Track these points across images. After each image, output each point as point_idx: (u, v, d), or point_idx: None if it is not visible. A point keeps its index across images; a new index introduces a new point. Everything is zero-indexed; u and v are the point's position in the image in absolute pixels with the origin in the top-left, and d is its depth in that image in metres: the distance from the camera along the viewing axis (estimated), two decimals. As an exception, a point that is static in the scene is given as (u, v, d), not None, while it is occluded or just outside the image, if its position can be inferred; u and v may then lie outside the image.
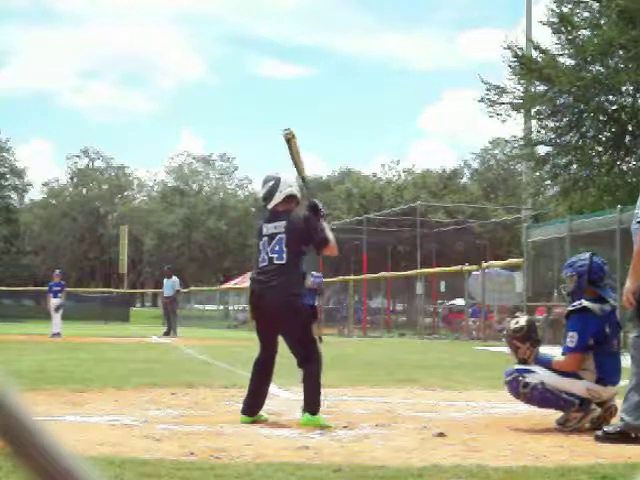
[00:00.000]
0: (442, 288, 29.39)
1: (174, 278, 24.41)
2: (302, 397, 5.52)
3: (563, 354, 5.43)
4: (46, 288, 23.50)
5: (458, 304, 28.78)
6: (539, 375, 5.33)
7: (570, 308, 5.46)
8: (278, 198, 5.68)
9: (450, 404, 6.80)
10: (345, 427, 5.28)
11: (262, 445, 4.47)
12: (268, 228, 5.60)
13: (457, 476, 3.59)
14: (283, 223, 5.57)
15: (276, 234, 5.54)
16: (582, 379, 5.31)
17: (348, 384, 8.29)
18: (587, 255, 5.58)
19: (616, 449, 4.48)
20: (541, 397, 5.30)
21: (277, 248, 5.52)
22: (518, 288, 23.31)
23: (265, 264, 5.51)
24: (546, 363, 5.41)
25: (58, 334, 20.88)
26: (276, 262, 5.48)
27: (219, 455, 4.09)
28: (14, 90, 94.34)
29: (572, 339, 5.32)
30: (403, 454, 4.24)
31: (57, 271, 23.81)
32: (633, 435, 4.76)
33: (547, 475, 3.70)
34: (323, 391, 5.58)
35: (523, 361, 5.46)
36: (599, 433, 4.88)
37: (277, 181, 5.80)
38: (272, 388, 7.78)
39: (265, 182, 5.84)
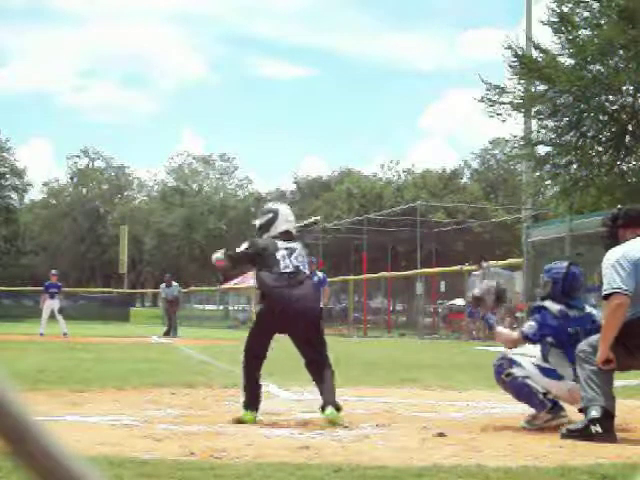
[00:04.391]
0: (442, 288, 29.39)
1: (174, 284, 24.54)
2: (302, 397, 5.54)
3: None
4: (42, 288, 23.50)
5: (458, 304, 28.79)
6: (526, 371, 5.42)
7: (533, 304, 5.76)
8: (274, 232, 5.93)
9: (450, 404, 6.80)
10: (345, 427, 5.28)
11: (262, 445, 4.47)
12: (283, 244, 5.86)
13: (457, 476, 3.59)
14: (298, 243, 5.97)
15: (295, 249, 5.85)
16: (566, 380, 5.34)
17: (348, 384, 8.29)
18: (565, 264, 5.70)
19: (616, 449, 4.48)
20: (518, 389, 5.42)
21: (301, 259, 5.83)
22: (518, 288, 23.32)
23: (291, 270, 5.72)
24: (490, 324, 5.89)
25: (65, 334, 20.96)
26: (303, 270, 5.77)
27: (219, 455, 4.09)
28: (14, 90, 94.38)
29: (530, 326, 5.51)
30: (403, 454, 4.24)
31: (53, 271, 23.70)
32: (594, 432, 4.79)
33: (547, 475, 3.70)
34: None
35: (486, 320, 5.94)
36: (563, 431, 4.95)
37: (275, 214, 6.05)
38: (272, 388, 7.81)
39: (263, 213, 6.15)
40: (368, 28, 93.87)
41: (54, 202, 68.43)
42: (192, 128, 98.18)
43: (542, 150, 23.28)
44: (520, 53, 22.14)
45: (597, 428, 4.80)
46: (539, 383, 5.39)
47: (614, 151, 22.20)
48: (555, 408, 5.34)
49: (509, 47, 22.15)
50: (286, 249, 5.81)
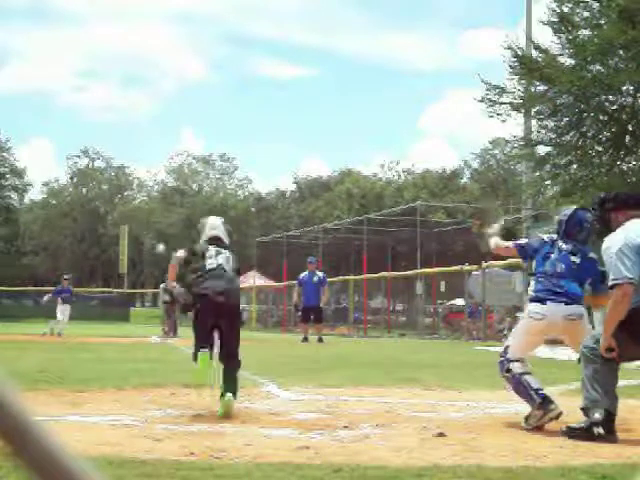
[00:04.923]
0: (442, 288, 29.37)
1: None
2: (302, 397, 5.55)
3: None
4: (48, 288, 23.75)
5: (458, 304, 28.78)
6: (524, 367, 5.55)
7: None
8: (204, 238, 7.00)
9: (450, 404, 6.80)
10: (345, 427, 5.28)
11: (262, 445, 4.47)
12: (213, 247, 6.79)
13: (457, 476, 3.59)
14: (228, 250, 6.91)
15: (222, 252, 6.74)
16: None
17: (348, 384, 8.29)
18: (573, 208, 5.99)
19: (616, 449, 4.48)
20: (516, 385, 5.54)
21: (225, 260, 6.66)
22: (518, 288, 23.31)
23: (214, 267, 6.55)
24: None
25: (60, 334, 21.15)
26: (225, 268, 6.61)
27: (219, 455, 4.09)
28: (14, 90, 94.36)
29: (520, 240, 6.00)
30: (403, 454, 4.24)
31: (66, 275, 23.97)
32: (596, 433, 4.79)
33: (547, 475, 3.70)
34: (323, 391, 5.67)
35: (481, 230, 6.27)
36: (563, 428, 4.97)
37: (203, 225, 7.23)
38: (272, 388, 7.81)
39: (216, 226, 7.16)
40: (368, 28, 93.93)
41: (54, 202, 68.43)
42: (192, 128, 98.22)
43: (542, 150, 23.28)
44: (520, 53, 22.14)
45: (599, 430, 4.80)
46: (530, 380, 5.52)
47: (614, 151, 22.20)
48: (544, 403, 5.37)
49: (509, 47, 22.16)
50: (215, 251, 6.72)
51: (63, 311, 22.55)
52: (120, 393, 7.22)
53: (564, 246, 5.73)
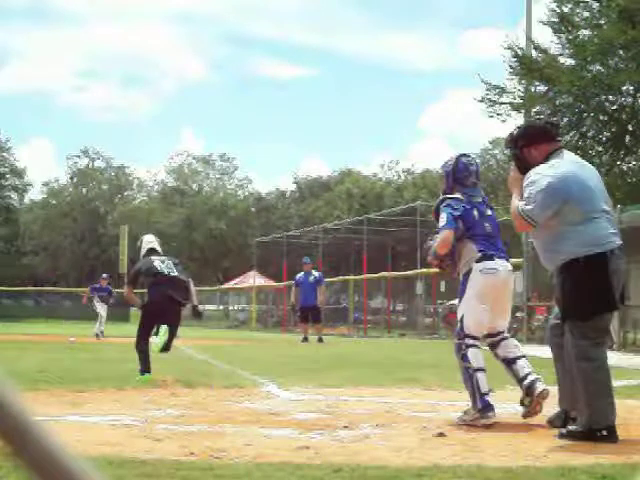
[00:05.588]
0: (442, 288, 29.36)
1: None
2: (302, 397, 5.55)
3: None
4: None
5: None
6: (479, 363, 5.53)
7: (436, 203, 6.05)
8: (143, 252, 9.11)
9: (450, 404, 6.79)
10: (345, 427, 5.28)
11: (262, 445, 4.47)
12: (156, 257, 8.90)
13: (457, 476, 3.59)
14: (168, 257, 9.11)
15: (165, 260, 8.85)
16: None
17: (348, 384, 8.29)
18: (455, 155, 6.03)
19: (616, 449, 4.48)
20: (465, 379, 5.57)
21: (171, 266, 8.80)
22: (518, 288, 23.31)
23: (164, 272, 8.64)
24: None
25: (97, 335, 21.28)
26: (172, 273, 8.70)
27: (219, 455, 4.09)
28: (14, 90, 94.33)
29: (442, 219, 5.74)
30: (403, 454, 4.24)
31: (104, 275, 23.82)
32: (598, 434, 4.75)
33: (547, 475, 3.70)
34: (323, 391, 5.68)
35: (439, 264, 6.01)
36: (563, 432, 4.89)
37: (140, 241, 9.40)
38: (272, 388, 7.81)
39: (151, 240, 9.28)
40: (368, 28, 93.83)
41: (54, 202, 68.39)
42: (192, 128, 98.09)
43: (542, 150, 23.28)
44: (520, 53, 22.16)
45: (602, 432, 4.78)
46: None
47: (614, 151, 22.22)
48: (484, 410, 5.39)
49: (509, 47, 22.18)
50: (160, 260, 8.80)
51: (101, 310, 22.49)
52: (120, 393, 7.22)
53: (475, 199, 5.90)
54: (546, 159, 5.08)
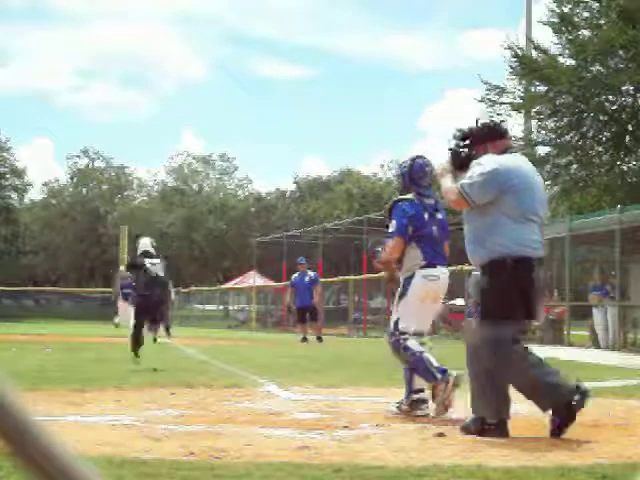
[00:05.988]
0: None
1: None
2: (302, 397, 5.56)
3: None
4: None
5: (458, 304, 28.79)
6: (421, 346, 5.92)
7: (390, 203, 6.19)
8: (139, 252, 11.03)
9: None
10: (345, 427, 5.28)
11: (262, 445, 4.47)
12: (147, 259, 10.76)
13: (457, 476, 3.59)
14: (159, 260, 10.98)
15: (155, 263, 10.73)
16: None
17: (348, 384, 8.29)
18: (412, 157, 6.26)
19: (616, 449, 4.48)
20: (414, 363, 5.85)
21: (159, 268, 10.74)
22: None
23: (153, 275, 10.62)
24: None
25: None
26: (159, 274, 10.74)
27: (219, 455, 4.09)
28: (14, 90, 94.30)
29: (392, 225, 5.94)
30: (403, 454, 4.24)
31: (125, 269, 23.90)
32: (487, 427, 4.82)
33: (547, 475, 3.70)
34: (323, 391, 5.75)
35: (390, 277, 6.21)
36: (459, 427, 4.98)
37: (137, 244, 11.31)
38: (272, 388, 7.81)
39: (146, 243, 11.08)
40: (368, 28, 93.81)
41: (54, 202, 68.38)
42: (192, 128, 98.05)
43: (542, 150, 23.31)
44: (520, 54, 22.17)
45: (492, 429, 4.82)
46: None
47: (614, 151, 22.23)
48: (445, 375, 5.74)
49: (509, 47, 22.20)
50: (150, 262, 10.67)
51: (125, 309, 22.41)
52: (120, 393, 7.22)
53: (427, 201, 6.05)
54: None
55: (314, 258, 32.68)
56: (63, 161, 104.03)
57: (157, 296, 10.77)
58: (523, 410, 5.81)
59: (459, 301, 27.47)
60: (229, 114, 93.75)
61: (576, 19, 21.94)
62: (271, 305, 39.52)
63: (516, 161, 5.14)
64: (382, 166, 60.26)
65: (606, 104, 22.22)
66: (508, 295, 4.87)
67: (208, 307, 47.66)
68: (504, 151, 5.15)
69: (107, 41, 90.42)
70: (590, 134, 22.39)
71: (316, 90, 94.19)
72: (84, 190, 69.31)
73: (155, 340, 11.54)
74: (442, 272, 6.09)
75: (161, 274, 10.68)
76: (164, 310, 11.63)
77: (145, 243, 11.12)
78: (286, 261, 35.03)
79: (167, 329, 23.77)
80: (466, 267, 24.99)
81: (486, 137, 5.22)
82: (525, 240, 4.89)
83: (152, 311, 10.90)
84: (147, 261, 10.70)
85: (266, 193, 67.23)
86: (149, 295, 10.62)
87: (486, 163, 5.00)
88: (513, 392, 5.72)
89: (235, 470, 3.68)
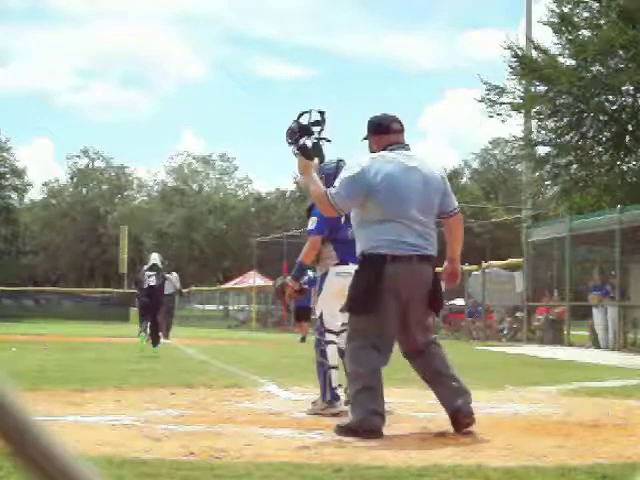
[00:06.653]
0: (442, 288, 29.33)
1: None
2: (302, 397, 5.59)
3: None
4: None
5: (458, 304, 28.80)
6: (334, 361, 6.09)
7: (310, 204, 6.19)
8: (148, 265, 14.03)
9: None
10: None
11: (262, 445, 4.47)
12: (149, 272, 13.68)
13: (457, 476, 3.59)
14: (159, 273, 13.93)
15: (152, 275, 13.70)
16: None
17: (348, 384, 8.27)
18: (335, 160, 6.22)
19: (616, 449, 4.48)
20: (319, 372, 6.07)
21: (156, 280, 13.77)
22: (518, 288, 23.31)
23: (151, 284, 13.68)
24: (299, 269, 6.32)
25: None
26: (155, 285, 13.78)
27: (219, 455, 4.09)
28: (14, 90, 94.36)
29: (312, 222, 6.07)
30: (403, 454, 4.23)
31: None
32: (360, 430, 4.73)
33: (547, 475, 3.70)
34: None
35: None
36: (335, 427, 4.93)
37: (148, 258, 13.91)
38: (272, 388, 7.81)
39: (154, 257, 14.15)
40: (368, 28, 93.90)
41: (54, 202, 68.43)
42: (192, 128, 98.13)
43: (542, 150, 23.31)
44: (520, 53, 22.16)
45: (364, 427, 4.75)
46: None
47: (614, 151, 22.22)
48: (332, 400, 5.94)
49: (509, 47, 22.18)
50: (148, 275, 13.61)
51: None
52: (120, 393, 7.22)
53: None
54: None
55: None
56: (63, 161, 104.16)
57: (152, 302, 13.79)
58: (523, 410, 5.82)
59: (459, 301, 27.49)
60: (229, 114, 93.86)
61: (576, 19, 21.93)
62: (271, 305, 39.54)
63: (384, 162, 4.96)
64: (382, 166, 60.25)
65: (606, 104, 22.21)
66: (356, 290, 5.01)
67: (208, 307, 47.67)
68: (385, 147, 5.04)
69: (107, 41, 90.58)
70: (590, 134, 22.38)
71: (316, 90, 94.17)
72: (84, 190, 69.39)
73: (154, 343, 13.79)
74: (353, 268, 6.04)
75: (153, 284, 13.67)
76: (157, 313, 14.06)
77: (154, 257, 14.13)
78: (286, 261, 35.03)
79: (164, 331, 23.80)
80: (466, 267, 25.03)
81: (370, 131, 5.16)
82: (380, 240, 4.91)
83: (152, 312, 13.83)
84: (147, 274, 13.68)
85: (266, 193, 67.33)
86: (147, 301, 13.89)
87: (352, 167, 5.00)
88: (513, 392, 5.73)
89: (235, 470, 3.68)
